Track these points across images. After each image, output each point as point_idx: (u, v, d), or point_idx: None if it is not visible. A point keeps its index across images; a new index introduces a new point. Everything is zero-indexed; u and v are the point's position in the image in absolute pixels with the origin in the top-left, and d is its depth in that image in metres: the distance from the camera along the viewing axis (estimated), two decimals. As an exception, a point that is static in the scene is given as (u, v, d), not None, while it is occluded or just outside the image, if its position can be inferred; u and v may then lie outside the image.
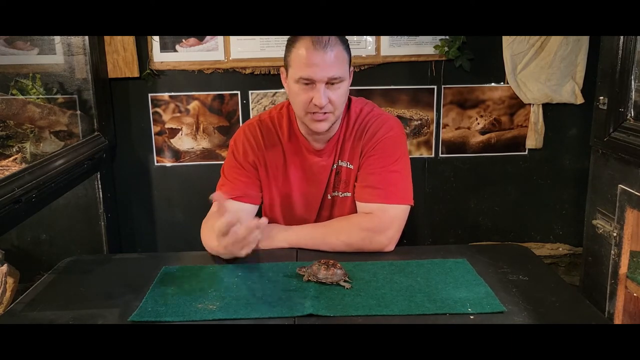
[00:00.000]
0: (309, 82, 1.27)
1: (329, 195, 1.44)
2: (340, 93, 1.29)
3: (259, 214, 1.44)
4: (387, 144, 1.37)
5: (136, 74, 2.33)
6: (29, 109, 1.97)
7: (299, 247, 1.33)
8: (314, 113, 1.29)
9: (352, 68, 1.36)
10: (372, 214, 1.32)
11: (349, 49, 1.33)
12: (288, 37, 1.33)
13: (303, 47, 1.25)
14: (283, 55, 1.34)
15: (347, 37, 1.33)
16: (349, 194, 1.42)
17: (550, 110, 2.42)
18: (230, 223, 1.13)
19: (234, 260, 1.26)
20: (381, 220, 1.30)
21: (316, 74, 1.25)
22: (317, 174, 1.42)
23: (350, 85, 1.35)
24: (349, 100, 1.43)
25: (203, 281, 1.17)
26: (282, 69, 1.36)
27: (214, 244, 1.26)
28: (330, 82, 1.27)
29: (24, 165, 1.75)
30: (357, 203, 1.38)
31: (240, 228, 1.14)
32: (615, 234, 1.74)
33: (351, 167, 1.41)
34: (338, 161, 1.41)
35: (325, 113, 1.29)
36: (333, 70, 1.25)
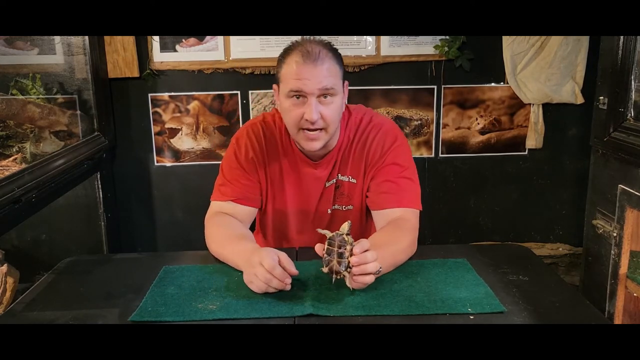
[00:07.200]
0: (300, 96, 1.24)
1: (328, 209, 1.43)
2: (333, 108, 1.25)
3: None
4: (396, 153, 1.36)
5: (136, 74, 2.33)
6: (29, 109, 1.97)
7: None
8: (306, 130, 1.26)
9: (346, 83, 1.32)
10: (404, 218, 1.30)
11: (342, 63, 1.29)
12: (280, 52, 1.30)
13: (293, 61, 1.23)
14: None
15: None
16: (351, 207, 1.42)
17: (550, 110, 2.42)
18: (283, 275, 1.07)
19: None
20: (412, 223, 1.30)
21: (307, 86, 1.22)
22: (310, 185, 1.40)
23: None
24: (348, 111, 1.40)
25: (203, 281, 1.17)
26: (275, 86, 1.34)
27: (215, 248, 1.27)
28: (322, 95, 1.23)
29: (24, 165, 1.75)
30: (379, 211, 1.34)
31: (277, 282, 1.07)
32: (615, 234, 1.74)
33: (354, 181, 1.39)
34: (338, 175, 1.40)
35: (317, 130, 1.26)
36: (324, 82, 1.22)
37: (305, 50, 1.23)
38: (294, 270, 1.08)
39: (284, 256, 1.09)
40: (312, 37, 1.28)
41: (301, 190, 1.41)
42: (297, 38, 1.31)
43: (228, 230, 1.29)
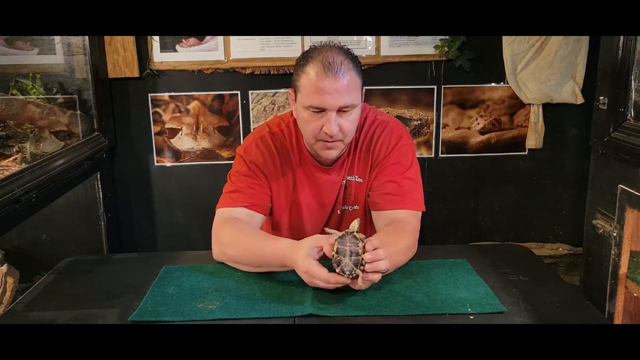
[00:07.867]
0: (320, 111, 1.22)
1: (338, 210, 1.42)
2: (351, 119, 1.24)
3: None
4: (400, 153, 1.35)
5: (136, 74, 2.33)
6: (29, 109, 1.97)
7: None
8: (323, 140, 1.25)
9: (364, 90, 1.30)
10: (404, 221, 1.28)
11: (361, 71, 1.26)
12: (298, 57, 1.27)
13: (313, 72, 1.19)
14: (292, 75, 1.28)
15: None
16: (357, 207, 1.41)
17: (550, 110, 2.42)
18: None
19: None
20: (413, 225, 1.28)
21: (327, 102, 1.19)
22: (326, 190, 1.39)
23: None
24: None
25: (203, 281, 1.17)
26: (291, 91, 1.31)
27: (234, 253, 1.23)
28: (341, 110, 1.22)
29: (24, 165, 1.75)
30: (380, 212, 1.33)
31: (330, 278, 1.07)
32: (615, 234, 1.74)
33: (360, 180, 1.39)
34: (347, 176, 1.39)
35: (335, 141, 1.25)
36: (345, 98, 1.19)
37: (326, 62, 1.18)
38: (328, 244, 1.05)
39: (322, 242, 1.06)
40: (332, 43, 1.24)
41: (317, 196, 1.40)
42: (316, 41, 1.27)
43: (250, 229, 1.25)
